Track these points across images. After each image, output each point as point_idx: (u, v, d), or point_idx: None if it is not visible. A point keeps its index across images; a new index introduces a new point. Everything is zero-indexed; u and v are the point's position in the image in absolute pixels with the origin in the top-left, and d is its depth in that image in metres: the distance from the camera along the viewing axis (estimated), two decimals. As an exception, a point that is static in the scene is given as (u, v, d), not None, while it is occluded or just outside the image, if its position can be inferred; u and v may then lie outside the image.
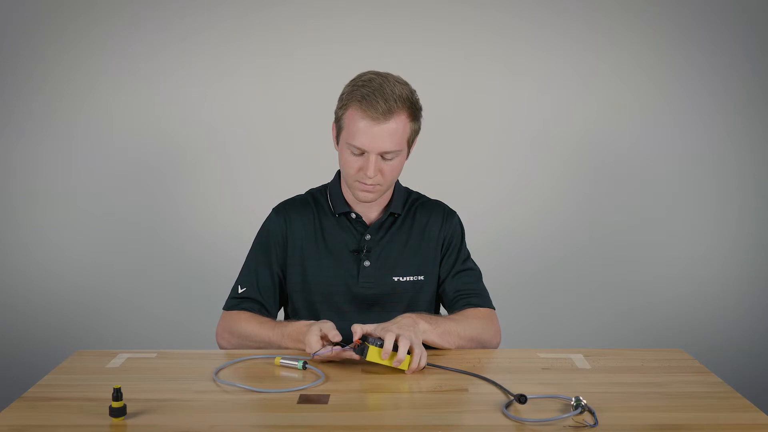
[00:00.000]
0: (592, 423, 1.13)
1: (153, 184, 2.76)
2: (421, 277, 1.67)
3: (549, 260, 2.80)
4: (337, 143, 1.60)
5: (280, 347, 1.51)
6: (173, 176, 2.76)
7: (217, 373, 1.35)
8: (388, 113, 1.49)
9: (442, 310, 1.76)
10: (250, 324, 1.57)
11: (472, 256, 1.74)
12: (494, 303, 1.68)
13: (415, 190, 1.78)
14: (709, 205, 2.79)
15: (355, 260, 1.65)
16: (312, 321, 1.48)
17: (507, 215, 2.77)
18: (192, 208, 2.78)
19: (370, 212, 1.68)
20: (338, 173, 1.72)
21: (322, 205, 1.70)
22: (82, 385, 1.30)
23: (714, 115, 2.74)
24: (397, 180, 1.69)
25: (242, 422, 1.16)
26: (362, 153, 1.52)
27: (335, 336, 1.37)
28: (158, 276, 2.79)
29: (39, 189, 2.73)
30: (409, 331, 1.38)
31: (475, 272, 1.71)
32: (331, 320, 1.48)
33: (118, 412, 1.14)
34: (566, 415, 1.15)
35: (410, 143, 1.59)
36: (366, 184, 1.55)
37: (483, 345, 1.56)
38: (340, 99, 1.56)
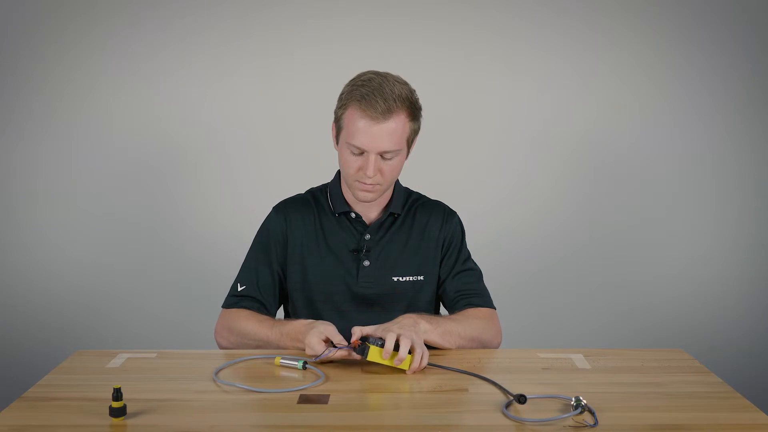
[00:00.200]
0: (592, 423, 1.13)
1: (153, 184, 2.76)
2: (421, 277, 1.67)
3: (549, 260, 2.80)
4: (337, 143, 1.60)
5: (278, 346, 1.51)
6: (173, 176, 2.76)
7: (217, 373, 1.35)
8: (387, 113, 1.49)
9: (443, 310, 1.76)
10: (249, 322, 1.57)
11: (473, 256, 1.74)
12: (494, 303, 1.68)
13: (415, 190, 1.78)
14: (709, 205, 2.79)
15: (354, 260, 1.65)
16: (311, 321, 1.47)
17: (507, 215, 2.77)
18: (192, 208, 2.78)
19: (370, 212, 1.68)
20: (338, 173, 1.72)
21: (322, 204, 1.70)
22: (82, 385, 1.30)
23: (714, 115, 2.74)
24: (397, 180, 1.69)
25: (242, 422, 1.16)
26: (362, 153, 1.52)
27: (341, 341, 1.37)
28: (158, 276, 2.79)
29: (39, 189, 2.73)
30: (410, 330, 1.38)
31: (475, 272, 1.71)
32: (331, 319, 1.49)
33: (118, 412, 1.14)
34: (566, 415, 1.15)
35: (410, 143, 1.59)
36: (366, 183, 1.55)
37: (484, 345, 1.56)
38: (340, 99, 1.56)
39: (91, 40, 2.68)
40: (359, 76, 1.55)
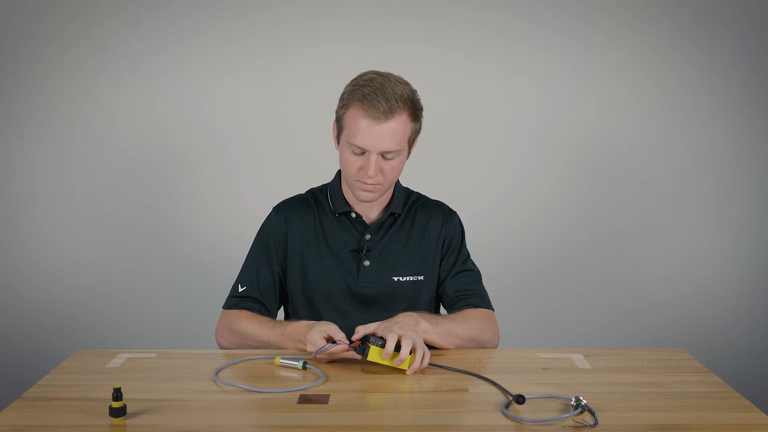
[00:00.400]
0: (592, 423, 1.13)
1: (153, 184, 2.76)
2: (421, 277, 1.67)
3: (549, 260, 2.80)
4: (338, 143, 1.60)
5: (279, 347, 1.51)
6: (173, 176, 2.76)
7: (217, 373, 1.35)
8: (389, 113, 1.49)
9: (443, 310, 1.76)
10: (249, 323, 1.57)
11: (472, 257, 1.74)
12: (494, 303, 1.68)
13: (415, 190, 1.78)
14: (709, 205, 2.79)
15: (355, 260, 1.65)
16: (313, 321, 1.48)
17: (507, 215, 2.77)
18: (192, 208, 2.78)
19: (370, 212, 1.68)
20: (339, 173, 1.72)
21: (322, 204, 1.70)
22: (82, 385, 1.30)
23: (714, 115, 2.74)
24: (398, 180, 1.69)
25: (242, 422, 1.16)
26: (363, 152, 1.52)
27: (342, 339, 1.37)
28: (158, 276, 2.79)
29: (39, 189, 2.73)
30: (411, 330, 1.38)
31: (474, 273, 1.71)
32: (331, 319, 1.48)
33: (118, 412, 1.14)
34: (566, 415, 1.15)
35: (411, 143, 1.59)
36: (366, 183, 1.55)
37: (482, 345, 1.56)
38: (341, 98, 1.56)
39: (91, 40, 2.68)
40: (361, 75, 1.55)
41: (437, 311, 1.76)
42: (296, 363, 1.38)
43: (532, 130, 2.75)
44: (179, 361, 1.45)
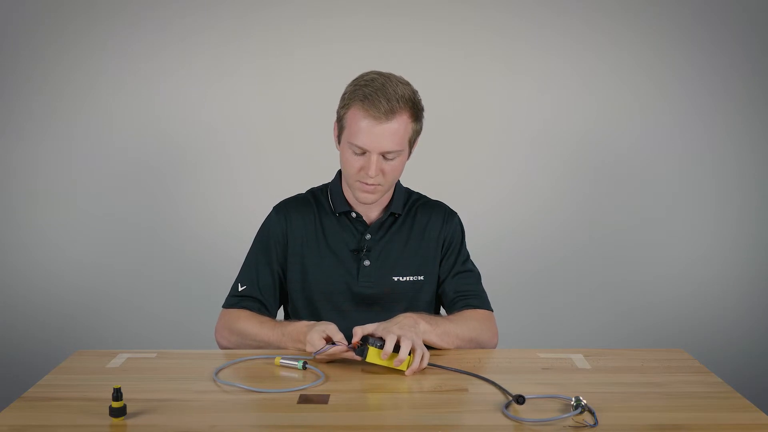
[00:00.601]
0: (592, 423, 1.13)
1: (153, 184, 2.76)
2: (421, 277, 1.67)
3: (549, 260, 2.80)
4: (339, 143, 1.60)
5: (279, 347, 1.51)
6: (173, 176, 2.76)
7: (217, 373, 1.35)
8: (390, 113, 1.49)
9: (442, 311, 1.76)
10: (249, 323, 1.57)
11: (472, 257, 1.74)
12: (494, 303, 1.68)
13: (415, 190, 1.78)
14: (709, 205, 2.79)
15: (355, 260, 1.65)
16: (313, 322, 1.48)
17: (507, 215, 2.77)
18: (192, 208, 2.78)
19: (370, 212, 1.68)
20: (339, 172, 1.72)
21: (322, 204, 1.70)
22: (82, 385, 1.30)
23: (714, 115, 2.74)
24: (398, 180, 1.69)
25: (242, 422, 1.16)
26: (364, 153, 1.53)
27: (341, 340, 1.37)
28: (158, 276, 2.79)
29: (39, 189, 2.73)
30: (410, 331, 1.38)
31: (474, 274, 1.71)
32: (331, 319, 1.48)
33: (118, 412, 1.14)
34: (566, 415, 1.15)
35: (411, 143, 1.59)
36: (367, 184, 1.55)
37: (481, 346, 1.57)
38: (342, 98, 1.56)
39: (91, 40, 2.68)
40: (362, 76, 1.55)
41: (437, 312, 1.76)
42: (296, 363, 1.38)
43: (532, 130, 2.75)
44: (179, 361, 1.45)
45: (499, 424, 1.14)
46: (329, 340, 1.39)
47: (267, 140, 2.74)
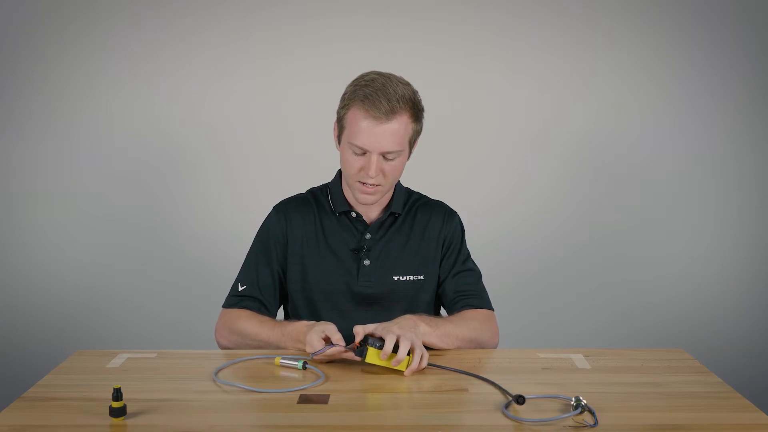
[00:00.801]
0: (592, 423, 1.13)
1: (153, 184, 2.76)
2: (421, 277, 1.67)
3: (549, 260, 2.80)
4: (339, 143, 1.60)
5: (279, 347, 1.51)
6: (173, 176, 2.76)
7: (217, 373, 1.35)
8: (390, 113, 1.49)
9: (443, 311, 1.76)
10: (249, 322, 1.57)
11: (473, 257, 1.74)
12: (494, 303, 1.68)
13: (415, 190, 1.78)
14: (709, 205, 2.79)
15: (355, 259, 1.65)
16: (313, 322, 1.48)
17: (507, 215, 2.77)
18: (192, 208, 2.78)
19: (370, 211, 1.68)
20: (339, 172, 1.72)
21: (322, 203, 1.71)
22: (82, 385, 1.30)
23: (714, 115, 2.74)
24: (398, 180, 1.69)
25: (242, 422, 1.16)
26: (364, 153, 1.53)
27: (339, 340, 1.37)
28: (158, 276, 2.79)
29: (39, 189, 2.73)
30: (410, 332, 1.38)
31: (474, 273, 1.71)
32: (331, 319, 1.49)
33: (118, 412, 1.14)
34: (566, 415, 1.15)
35: (412, 144, 1.59)
36: (367, 185, 1.55)
37: (481, 346, 1.57)
38: (343, 98, 1.56)
39: (91, 40, 2.68)
40: (362, 76, 1.55)
41: (437, 311, 1.76)
42: (296, 363, 1.38)
43: (532, 130, 2.75)
44: (179, 361, 1.45)
45: (499, 424, 1.14)
46: (328, 341, 1.39)
47: (267, 140, 2.74)
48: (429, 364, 1.38)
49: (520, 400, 1.19)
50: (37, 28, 2.66)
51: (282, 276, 1.68)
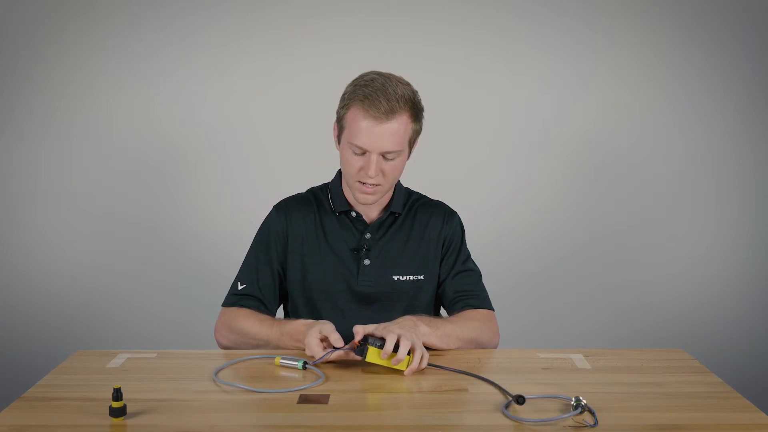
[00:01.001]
0: (592, 423, 1.13)
1: (153, 184, 2.76)
2: (421, 277, 1.67)
3: (549, 260, 2.80)
4: (339, 143, 1.60)
5: (278, 346, 1.51)
6: (173, 176, 2.76)
7: (217, 373, 1.35)
8: (390, 113, 1.49)
9: (443, 311, 1.76)
10: (249, 321, 1.57)
11: (473, 257, 1.74)
12: (494, 303, 1.68)
13: (415, 190, 1.78)
14: (709, 205, 2.79)
15: (355, 259, 1.65)
16: (311, 321, 1.48)
17: (507, 215, 2.77)
18: (192, 208, 2.78)
19: (370, 211, 1.68)
20: (339, 172, 1.72)
21: (322, 203, 1.71)
22: (82, 385, 1.30)
23: (714, 115, 2.74)
24: (398, 180, 1.69)
25: (242, 422, 1.16)
26: (364, 153, 1.53)
27: (336, 340, 1.37)
28: (158, 276, 2.79)
29: (39, 189, 2.73)
30: (410, 332, 1.39)
31: (475, 273, 1.71)
32: (331, 318, 1.49)
33: (118, 412, 1.14)
34: (566, 415, 1.15)
35: (411, 144, 1.59)
36: (367, 185, 1.55)
37: (482, 346, 1.57)
38: (342, 98, 1.56)
39: (91, 40, 2.68)
40: (362, 76, 1.55)
41: (437, 312, 1.76)
42: (296, 363, 1.38)
43: (532, 130, 2.75)
44: (179, 361, 1.45)
45: (499, 424, 1.14)
46: (326, 340, 1.39)
47: (267, 140, 2.74)
48: (429, 364, 1.38)
49: (520, 400, 1.19)
50: (37, 28, 2.66)
51: (282, 275, 1.68)
